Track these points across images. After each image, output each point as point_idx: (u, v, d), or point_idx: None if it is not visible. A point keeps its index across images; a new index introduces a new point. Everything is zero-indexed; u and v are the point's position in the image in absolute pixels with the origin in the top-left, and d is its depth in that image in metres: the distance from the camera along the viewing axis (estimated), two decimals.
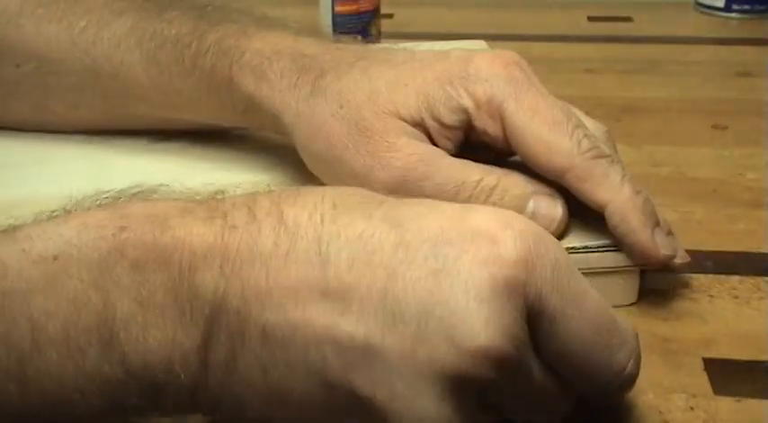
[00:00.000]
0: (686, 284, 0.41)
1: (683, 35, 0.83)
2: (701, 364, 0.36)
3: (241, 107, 0.43)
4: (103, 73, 0.46)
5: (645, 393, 0.34)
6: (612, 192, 0.36)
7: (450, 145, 0.39)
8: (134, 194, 0.29)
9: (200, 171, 0.47)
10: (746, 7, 0.87)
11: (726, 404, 0.33)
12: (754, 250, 0.44)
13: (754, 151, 0.55)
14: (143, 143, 0.50)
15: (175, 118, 0.48)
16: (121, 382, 0.26)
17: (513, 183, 0.38)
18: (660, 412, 0.33)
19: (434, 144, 0.39)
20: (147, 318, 0.26)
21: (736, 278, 0.42)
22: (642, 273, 0.39)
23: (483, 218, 0.27)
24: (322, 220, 0.27)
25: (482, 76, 0.38)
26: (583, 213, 0.38)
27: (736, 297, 0.40)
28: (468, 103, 0.38)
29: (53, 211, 0.28)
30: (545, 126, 0.37)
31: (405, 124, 0.38)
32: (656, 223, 0.37)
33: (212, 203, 0.28)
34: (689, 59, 0.76)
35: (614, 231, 0.37)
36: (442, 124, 0.38)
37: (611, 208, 0.36)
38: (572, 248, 0.38)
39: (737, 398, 0.34)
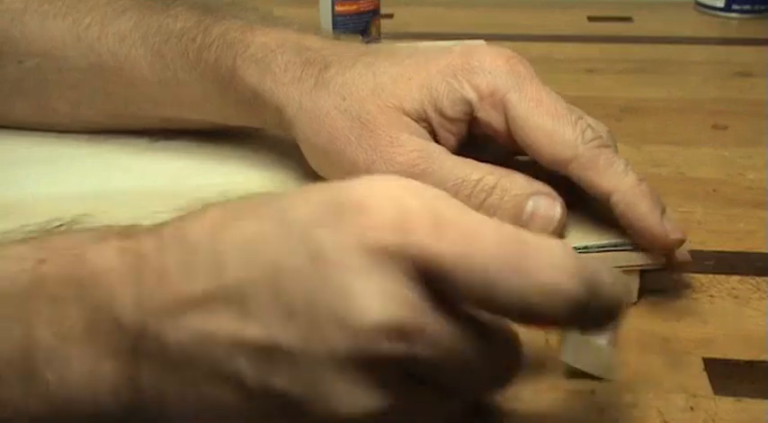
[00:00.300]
0: (686, 284, 0.41)
1: (683, 35, 0.83)
2: (700, 364, 0.36)
3: (244, 100, 0.43)
4: (108, 68, 0.47)
5: (645, 393, 0.34)
6: (617, 179, 0.36)
7: (453, 139, 0.39)
8: (55, 227, 0.29)
9: (201, 170, 0.47)
10: (746, 7, 0.87)
11: (726, 404, 0.33)
12: (754, 250, 0.44)
13: (754, 151, 0.55)
14: (144, 143, 0.50)
15: (178, 116, 0.48)
16: (49, 415, 0.25)
17: (513, 183, 0.38)
18: (660, 412, 0.33)
19: (437, 138, 0.39)
20: (69, 352, 0.25)
21: (736, 278, 0.42)
22: (642, 273, 0.39)
23: (351, 190, 0.26)
24: (220, 230, 0.26)
25: (485, 68, 0.38)
26: (583, 213, 0.38)
27: (736, 297, 0.40)
28: (471, 94, 0.38)
29: None
30: (548, 116, 0.37)
31: (408, 120, 0.39)
32: (663, 209, 0.37)
33: (126, 233, 0.28)
34: (689, 59, 0.76)
35: (621, 219, 0.36)
36: (444, 116, 0.39)
37: (616, 195, 0.36)
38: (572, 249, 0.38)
39: (737, 398, 0.34)
